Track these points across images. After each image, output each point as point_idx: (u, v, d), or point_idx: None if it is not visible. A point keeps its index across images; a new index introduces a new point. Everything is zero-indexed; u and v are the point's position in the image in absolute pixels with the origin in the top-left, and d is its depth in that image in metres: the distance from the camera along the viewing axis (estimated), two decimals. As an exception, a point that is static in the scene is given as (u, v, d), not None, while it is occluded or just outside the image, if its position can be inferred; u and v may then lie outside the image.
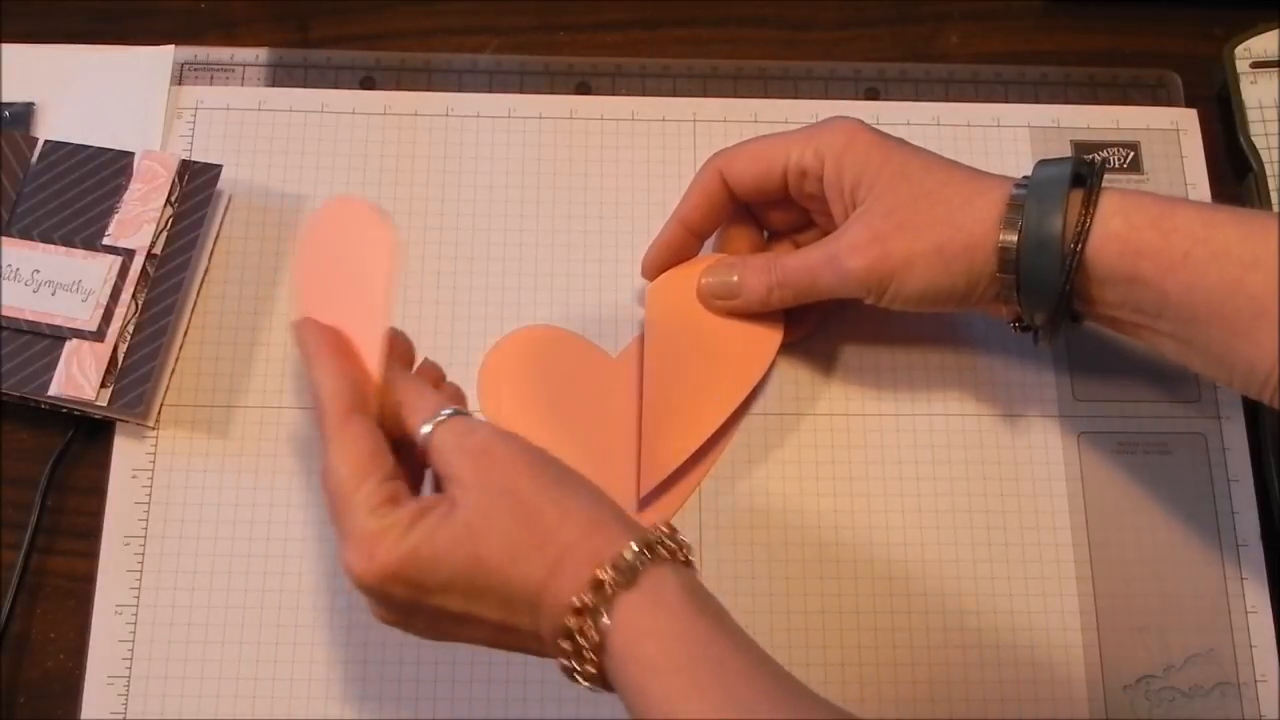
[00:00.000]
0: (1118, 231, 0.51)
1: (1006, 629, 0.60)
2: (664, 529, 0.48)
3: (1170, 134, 0.68)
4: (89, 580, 0.59)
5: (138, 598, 0.58)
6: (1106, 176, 0.53)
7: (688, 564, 0.48)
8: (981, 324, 0.63)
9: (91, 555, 0.59)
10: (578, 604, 0.45)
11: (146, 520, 0.60)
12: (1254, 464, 0.63)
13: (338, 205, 0.54)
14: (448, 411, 0.50)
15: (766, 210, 0.61)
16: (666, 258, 0.62)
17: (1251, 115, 0.67)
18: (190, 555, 0.59)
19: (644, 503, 0.59)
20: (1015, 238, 0.52)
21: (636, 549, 0.46)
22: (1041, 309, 0.54)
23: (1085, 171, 0.53)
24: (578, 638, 0.46)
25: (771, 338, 0.61)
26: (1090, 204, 0.52)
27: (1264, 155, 0.66)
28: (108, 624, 0.58)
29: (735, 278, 0.60)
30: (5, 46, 0.67)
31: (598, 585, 0.45)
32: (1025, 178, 0.54)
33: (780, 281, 0.58)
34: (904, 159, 0.56)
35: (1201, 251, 0.49)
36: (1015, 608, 0.60)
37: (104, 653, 0.58)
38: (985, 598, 0.60)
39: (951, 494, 0.62)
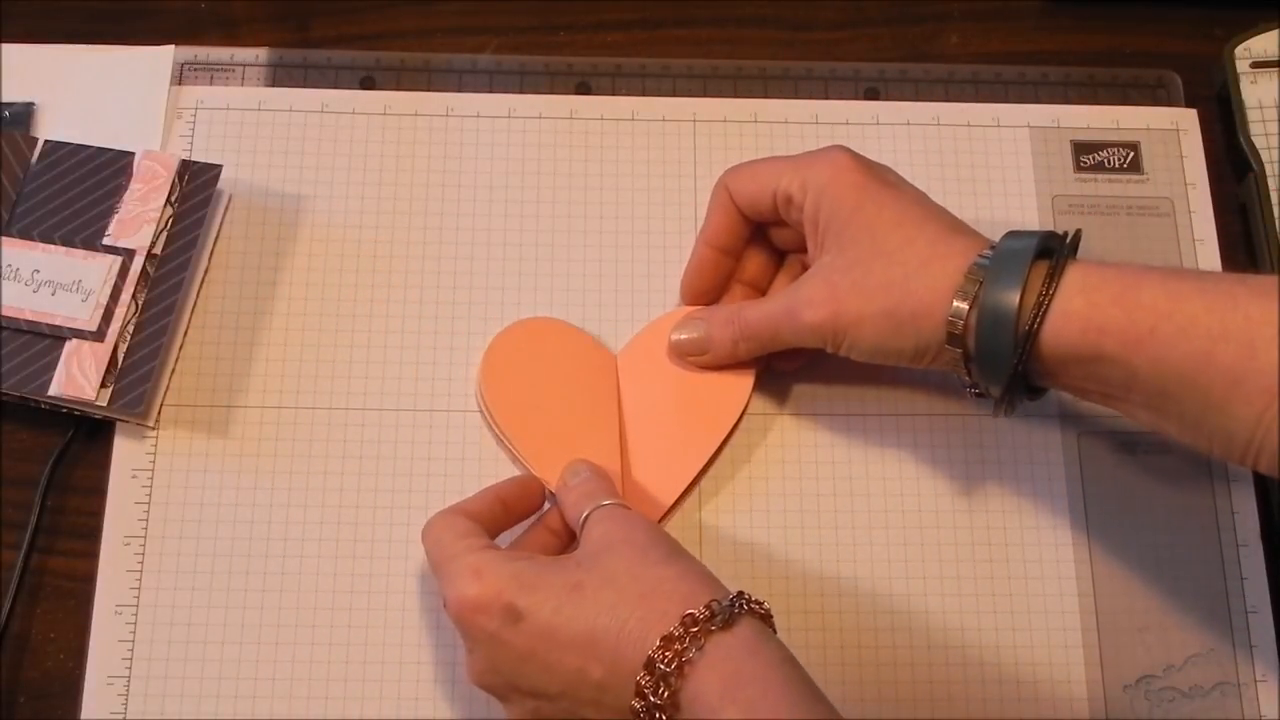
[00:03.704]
0: (1079, 310, 0.50)
1: (1006, 629, 0.60)
2: (758, 599, 0.49)
3: (1170, 134, 0.68)
4: (89, 580, 0.59)
5: (138, 598, 0.58)
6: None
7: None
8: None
9: (91, 555, 0.59)
10: (666, 634, 0.47)
11: (146, 520, 0.60)
12: (1254, 464, 0.63)
13: (521, 327, 0.62)
14: (605, 502, 0.54)
15: (773, 229, 0.61)
16: (701, 281, 0.62)
17: (1251, 115, 0.67)
18: (190, 555, 0.59)
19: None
20: (965, 309, 0.51)
21: (733, 598, 0.48)
22: (996, 382, 0.53)
23: (1054, 245, 0.52)
24: (660, 665, 0.46)
25: (743, 381, 0.61)
26: (1052, 281, 0.50)
27: (1264, 155, 0.66)
28: (108, 624, 0.58)
29: (702, 334, 0.60)
30: (5, 46, 0.67)
31: (690, 621, 0.47)
32: (993, 246, 0.53)
33: (744, 334, 0.59)
34: (878, 208, 0.55)
35: (1168, 326, 0.48)
36: (1015, 608, 0.60)
37: (104, 653, 0.58)
38: (985, 598, 0.60)
39: (951, 494, 0.62)
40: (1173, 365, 0.48)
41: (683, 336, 0.61)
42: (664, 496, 0.60)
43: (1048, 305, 0.50)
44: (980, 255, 0.52)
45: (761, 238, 0.62)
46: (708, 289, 0.62)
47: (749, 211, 0.60)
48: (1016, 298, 0.50)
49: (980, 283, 0.51)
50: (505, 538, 0.57)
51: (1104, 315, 0.49)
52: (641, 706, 0.47)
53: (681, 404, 0.61)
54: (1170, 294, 0.49)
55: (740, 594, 0.49)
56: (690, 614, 0.47)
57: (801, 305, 0.55)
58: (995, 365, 0.52)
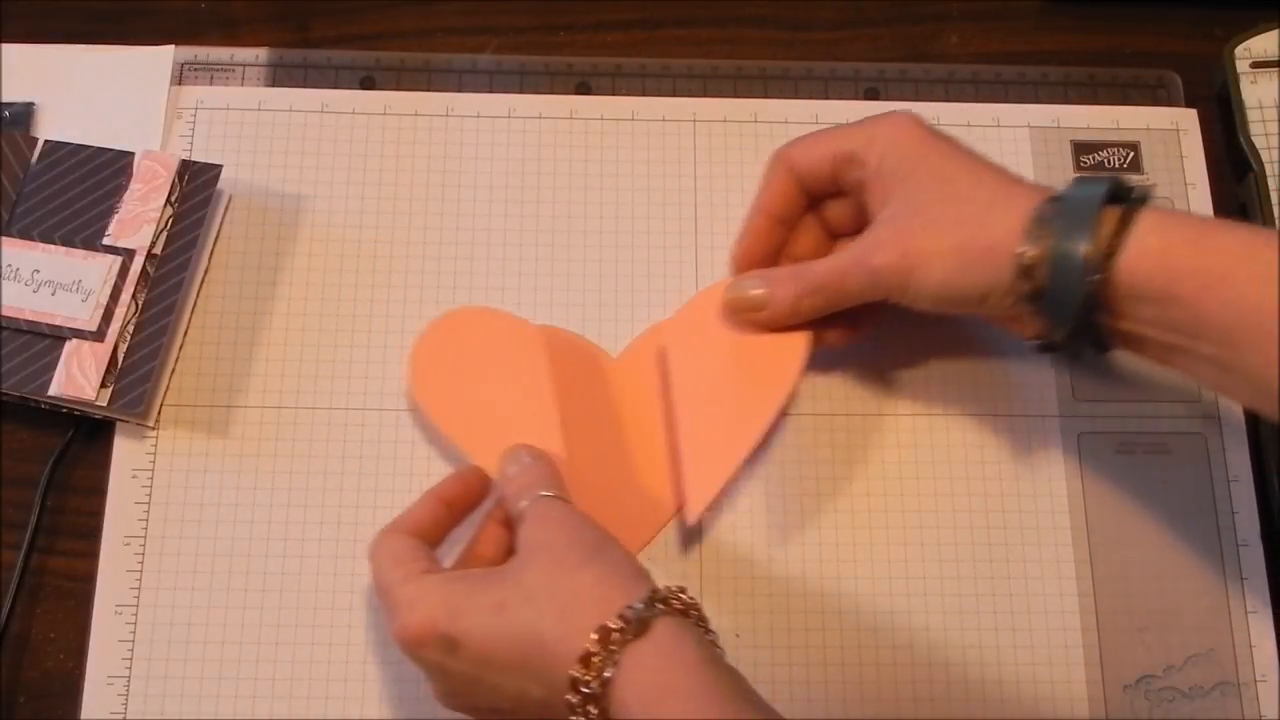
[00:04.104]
0: (1153, 248, 0.49)
1: (1006, 629, 0.60)
2: (677, 588, 0.49)
3: (1170, 134, 0.68)
4: (89, 580, 0.59)
5: (138, 598, 0.58)
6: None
7: (701, 624, 0.49)
8: (981, 324, 0.63)
9: (91, 555, 0.59)
10: (583, 652, 0.46)
11: (146, 520, 0.60)
12: (1254, 464, 0.63)
13: (453, 316, 0.61)
14: (541, 493, 0.53)
15: (828, 204, 0.60)
16: (755, 249, 0.60)
17: (1251, 115, 0.67)
18: (190, 555, 0.59)
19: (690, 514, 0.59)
20: (1037, 246, 0.51)
21: (646, 600, 0.47)
22: (1063, 324, 0.52)
23: (1123, 191, 0.52)
24: (583, 688, 0.46)
25: (798, 344, 0.59)
26: (1126, 220, 0.50)
27: (1264, 155, 0.66)
28: (108, 624, 0.58)
29: (762, 290, 0.59)
30: (5, 46, 0.67)
31: (605, 634, 0.46)
32: (1062, 191, 0.53)
33: (810, 288, 0.57)
34: (942, 157, 0.55)
35: (1242, 273, 0.48)
36: (1015, 608, 0.60)
37: (104, 653, 0.58)
38: (985, 598, 0.60)
39: (952, 494, 0.62)
40: (1244, 312, 0.48)
41: (741, 292, 0.59)
42: (725, 465, 0.58)
43: (1123, 240, 0.50)
44: (1051, 198, 0.52)
45: (812, 220, 0.61)
46: (759, 258, 0.61)
47: (807, 178, 0.59)
48: (1090, 232, 0.50)
49: (1053, 218, 0.51)
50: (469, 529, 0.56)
51: (1178, 256, 0.49)
52: None
53: (736, 368, 0.60)
54: (1244, 242, 0.49)
55: (654, 592, 0.48)
56: (604, 626, 0.46)
57: (870, 250, 0.55)
58: (1065, 301, 0.51)
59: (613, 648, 0.46)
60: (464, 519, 0.56)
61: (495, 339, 0.61)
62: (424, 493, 0.56)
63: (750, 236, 0.60)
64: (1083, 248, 0.50)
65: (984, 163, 0.56)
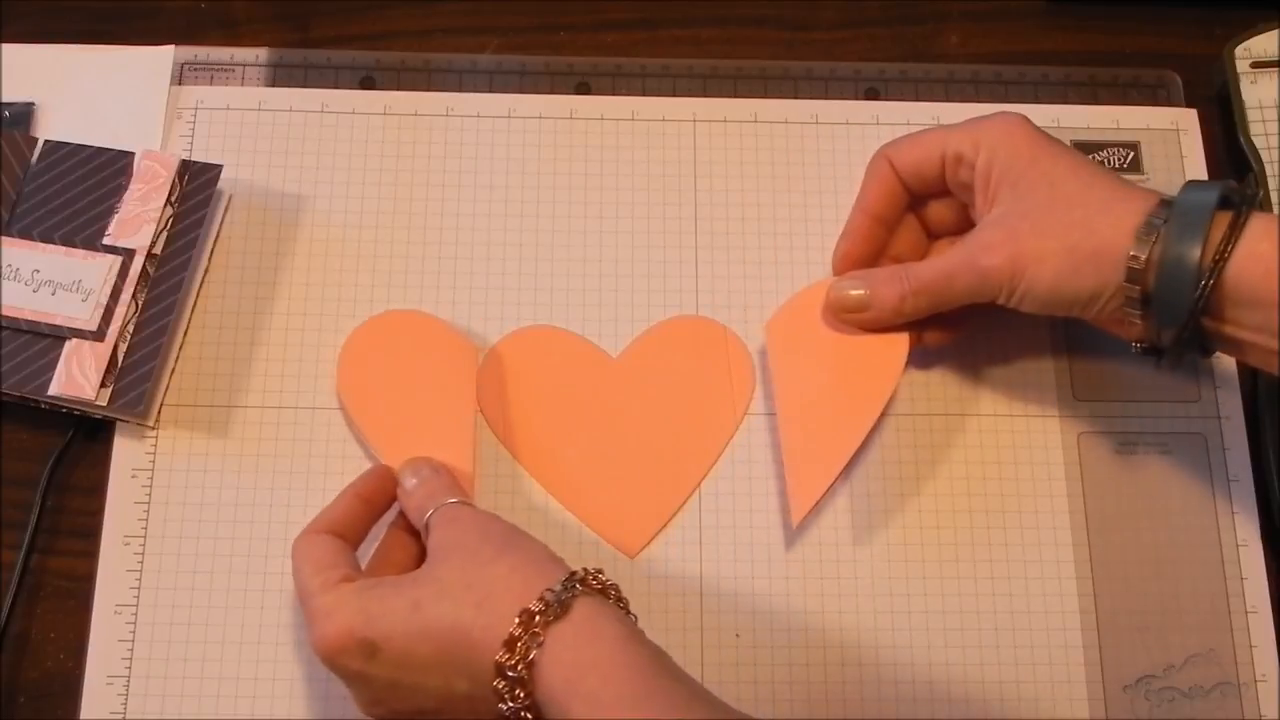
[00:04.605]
0: (1264, 253, 0.50)
1: (1007, 629, 0.60)
2: (594, 569, 0.50)
3: (1170, 134, 0.68)
4: (89, 580, 0.59)
5: (138, 598, 0.58)
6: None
7: (620, 603, 0.50)
8: (981, 324, 0.63)
9: (91, 555, 0.59)
10: (507, 636, 0.47)
11: (146, 520, 0.60)
12: (1254, 464, 0.63)
13: (382, 319, 0.62)
14: (446, 501, 0.54)
15: (929, 204, 0.61)
16: (856, 249, 0.60)
17: (1251, 115, 0.67)
18: (190, 555, 0.59)
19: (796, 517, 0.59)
20: (1148, 249, 0.51)
21: (565, 582, 0.48)
22: (1170, 327, 0.52)
23: (1235, 196, 0.52)
24: (509, 672, 0.47)
25: (899, 345, 0.60)
26: (1237, 225, 0.50)
27: (1264, 155, 0.66)
28: (108, 624, 0.58)
29: (865, 291, 0.59)
30: (5, 46, 0.67)
31: (528, 617, 0.47)
32: (1171, 196, 0.53)
33: (916, 289, 0.57)
34: (1052, 161, 0.55)
35: None
36: (1015, 607, 0.60)
37: (104, 653, 0.58)
38: (985, 598, 0.60)
39: (951, 494, 0.62)
40: None
41: (842, 293, 0.59)
42: (828, 468, 0.58)
43: (1235, 243, 0.50)
44: (1162, 201, 0.53)
45: (911, 220, 0.61)
46: (861, 258, 0.60)
47: (911, 178, 0.59)
48: (1202, 235, 0.50)
49: (1165, 220, 0.51)
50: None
51: None
52: (507, 710, 0.47)
53: (838, 369, 0.60)
54: None
55: (572, 574, 0.49)
56: (526, 609, 0.47)
57: (979, 251, 0.55)
58: (1174, 304, 0.51)
59: (535, 630, 0.47)
60: (382, 515, 0.57)
61: (427, 346, 0.61)
62: (342, 490, 0.56)
63: (852, 237, 0.60)
64: (1195, 253, 0.50)
65: (1092, 166, 0.56)
